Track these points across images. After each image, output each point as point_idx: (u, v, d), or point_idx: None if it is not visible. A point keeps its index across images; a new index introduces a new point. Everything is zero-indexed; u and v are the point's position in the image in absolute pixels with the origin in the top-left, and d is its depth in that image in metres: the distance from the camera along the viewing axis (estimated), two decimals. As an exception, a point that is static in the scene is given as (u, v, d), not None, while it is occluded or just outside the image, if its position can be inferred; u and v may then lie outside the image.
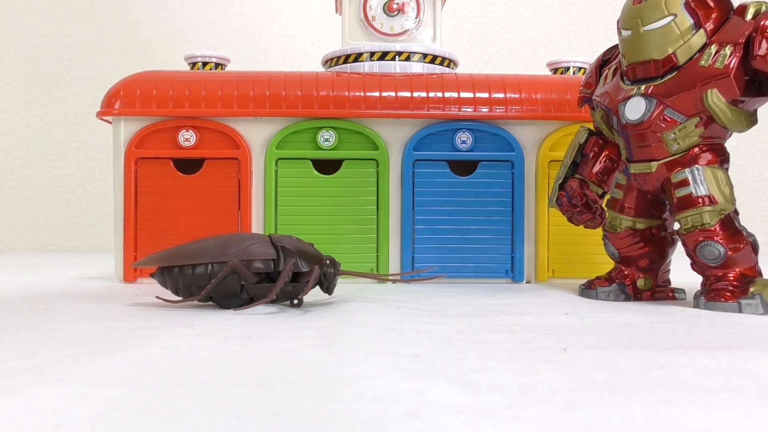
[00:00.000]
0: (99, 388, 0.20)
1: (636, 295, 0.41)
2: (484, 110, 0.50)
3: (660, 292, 0.42)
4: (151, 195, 0.50)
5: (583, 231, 0.50)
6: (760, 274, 0.37)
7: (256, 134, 0.50)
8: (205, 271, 0.35)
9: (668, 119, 0.37)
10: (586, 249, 0.51)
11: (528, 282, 0.51)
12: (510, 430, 0.16)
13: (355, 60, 0.54)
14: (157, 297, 0.37)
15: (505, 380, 0.21)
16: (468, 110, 0.50)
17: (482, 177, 0.50)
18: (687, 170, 0.37)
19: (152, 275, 0.37)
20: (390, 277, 0.47)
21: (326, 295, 0.40)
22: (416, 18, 0.54)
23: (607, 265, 0.49)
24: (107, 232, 0.99)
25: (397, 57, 0.53)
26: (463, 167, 0.51)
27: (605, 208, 0.43)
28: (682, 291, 0.42)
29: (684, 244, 0.38)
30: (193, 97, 0.50)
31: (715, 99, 0.35)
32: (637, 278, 0.41)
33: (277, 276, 0.36)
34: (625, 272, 0.41)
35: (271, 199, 0.50)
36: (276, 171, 0.50)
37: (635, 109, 0.38)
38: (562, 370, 0.22)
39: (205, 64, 0.55)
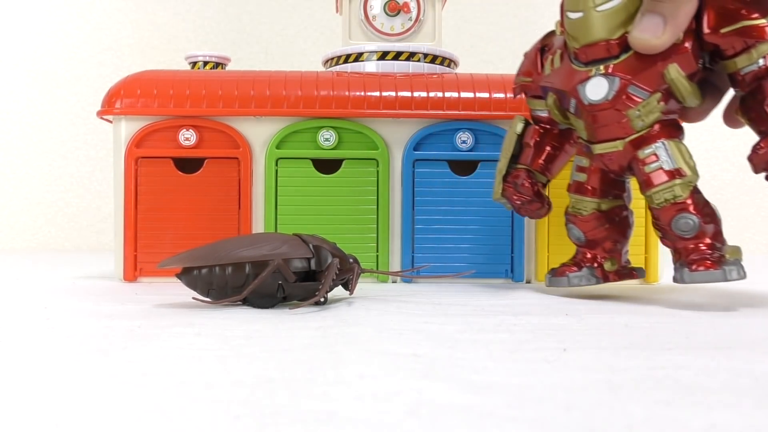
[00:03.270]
0: (99, 388, 0.20)
1: (605, 278, 0.41)
2: (484, 110, 0.50)
3: (624, 272, 0.42)
4: (152, 194, 0.50)
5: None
6: (725, 242, 0.37)
7: (257, 134, 0.50)
8: (242, 272, 0.35)
9: (632, 96, 0.37)
10: (586, 249, 0.51)
11: (528, 282, 0.51)
12: (510, 430, 0.16)
13: (356, 60, 0.54)
14: (193, 298, 0.36)
15: (505, 380, 0.21)
16: (468, 110, 0.50)
17: (482, 177, 0.50)
18: (653, 146, 0.37)
19: (178, 276, 0.37)
20: (405, 273, 0.48)
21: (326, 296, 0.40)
22: (417, 18, 0.54)
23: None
24: (107, 232, 0.99)
25: (397, 57, 0.53)
26: (464, 167, 0.51)
27: (568, 194, 0.42)
28: (642, 269, 0.42)
29: (657, 219, 0.38)
30: (193, 96, 0.50)
31: (676, 73, 0.36)
32: (604, 260, 0.41)
33: (313, 275, 0.37)
34: (589, 255, 0.41)
35: (271, 199, 0.50)
36: (276, 170, 0.50)
37: (597, 89, 0.37)
38: (562, 370, 0.22)
39: (205, 63, 0.55)
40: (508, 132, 0.45)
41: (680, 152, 0.37)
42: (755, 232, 1.05)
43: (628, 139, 0.38)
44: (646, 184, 0.37)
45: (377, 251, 0.50)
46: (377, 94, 0.50)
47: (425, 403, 0.18)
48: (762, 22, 0.34)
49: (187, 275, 0.36)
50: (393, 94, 0.50)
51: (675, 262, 0.37)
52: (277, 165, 0.50)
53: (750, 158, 0.36)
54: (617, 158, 0.38)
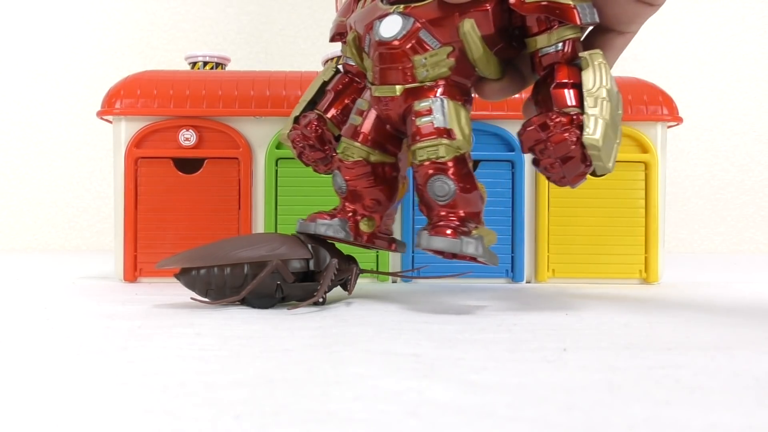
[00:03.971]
0: (99, 388, 0.20)
1: (357, 236, 0.39)
2: (484, 110, 0.50)
3: (380, 239, 0.40)
4: (152, 194, 0.50)
5: (583, 231, 0.50)
6: (483, 224, 0.36)
7: (257, 134, 0.50)
8: (241, 272, 0.35)
9: (423, 42, 0.35)
10: (587, 249, 0.51)
11: (528, 282, 0.51)
12: (510, 430, 0.16)
13: (356, 60, 0.54)
14: (192, 299, 0.36)
15: (505, 380, 0.21)
16: (468, 110, 0.50)
17: (482, 177, 0.50)
18: (430, 99, 0.35)
19: (176, 276, 0.37)
20: (406, 274, 0.47)
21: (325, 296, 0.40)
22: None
23: (607, 265, 0.50)
24: (107, 232, 0.99)
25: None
26: (463, 167, 0.51)
27: (342, 137, 0.40)
28: (404, 244, 0.41)
29: (414, 178, 0.36)
30: (193, 96, 0.50)
31: (470, 29, 0.34)
32: (361, 218, 0.39)
33: (312, 275, 0.36)
34: (348, 210, 0.39)
35: (271, 199, 0.50)
36: (276, 170, 0.50)
37: (391, 26, 0.36)
38: (562, 370, 0.22)
39: (205, 63, 0.55)
40: (317, 76, 0.43)
41: (457, 115, 0.35)
42: (755, 232, 1.05)
43: (406, 86, 0.36)
44: (413, 137, 0.36)
45: (377, 251, 0.50)
46: (377, 94, 0.50)
47: (425, 403, 0.18)
48: (568, 2, 0.33)
49: (185, 276, 0.36)
50: (393, 94, 0.50)
51: (422, 228, 0.36)
52: (277, 165, 0.50)
53: (519, 134, 0.34)
54: (393, 105, 0.37)
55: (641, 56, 1.02)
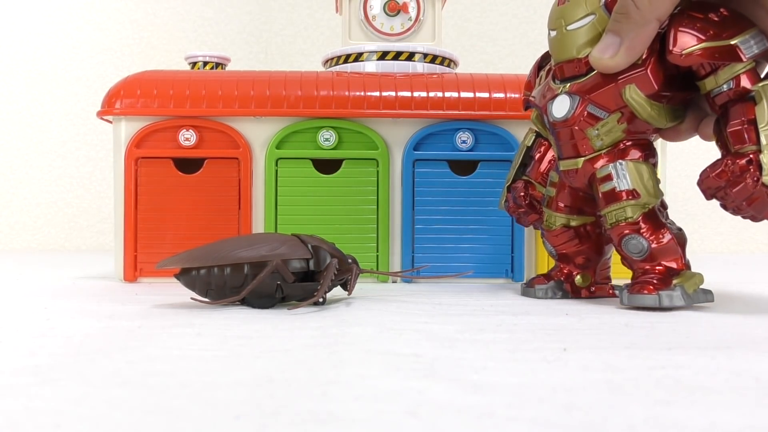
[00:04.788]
0: (99, 387, 0.20)
1: (574, 292, 0.41)
2: (484, 110, 0.50)
3: (599, 289, 0.42)
4: (152, 194, 0.50)
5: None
6: (688, 267, 0.37)
7: (257, 134, 0.50)
8: (241, 272, 0.35)
9: (591, 115, 0.37)
10: (586, 249, 0.51)
11: (528, 282, 0.51)
12: (510, 430, 0.16)
13: (356, 60, 0.54)
14: (192, 299, 0.36)
15: (505, 380, 0.21)
16: (468, 110, 0.50)
17: (482, 177, 0.50)
18: (611, 165, 0.37)
19: (176, 276, 0.37)
20: (405, 274, 0.47)
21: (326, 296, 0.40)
22: (417, 18, 0.54)
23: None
24: (107, 232, 0.99)
25: (397, 57, 0.53)
26: (464, 167, 0.51)
27: (543, 208, 0.43)
28: (621, 287, 0.42)
29: (611, 239, 0.38)
30: (193, 96, 0.50)
31: (633, 94, 0.36)
32: (575, 275, 0.41)
33: (312, 275, 0.36)
34: (564, 270, 0.41)
35: (271, 199, 0.50)
36: (276, 171, 0.50)
37: (561, 106, 0.38)
38: (562, 370, 0.22)
39: (205, 63, 0.55)
40: (521, 143, 0.46)
41: (638, 173, 0.37)
42: (755, 232, 1.05)
43: (586, 158, 0.38)
44: (600, 204, 0.38)
45: (377, 251, 0.50)
46: (377, 94, 0.50)
47: (425, 403, 0.18)
48: (725, 42, 0.33)
49: (185, 276, 0.36)
50: (393, 94, 0.50)
51: (624, 287, 0.37)
52: (277, 165, 0.50)
53: (698, 183, 0.35)
54: (577, 176, 0.39)
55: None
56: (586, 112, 0.37)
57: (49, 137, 1.00)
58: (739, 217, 0.36)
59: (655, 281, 0.35)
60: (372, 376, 0.21)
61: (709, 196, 0.35)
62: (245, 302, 0.36)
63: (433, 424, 0.16)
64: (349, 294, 0.39)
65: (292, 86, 0.50)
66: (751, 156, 0.33)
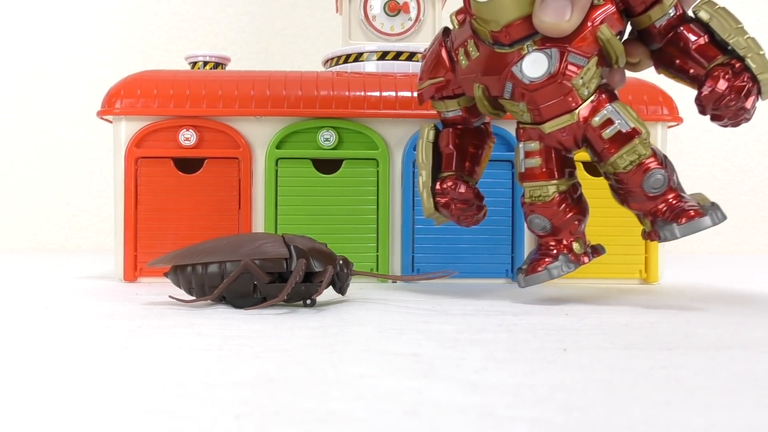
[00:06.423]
0: (99, 387, 0.20)
1: (577, 260, 0.39)
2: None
3: (592, 252, 0.40)
4: (152, 194, 0.50)
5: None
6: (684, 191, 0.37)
7: (257, 134, 0.50)
8: (217, 271, 0.35)
9: (574, 64, 0.36)
10: (586, 249, 0.51)
11: (528, 282, 0.51)
12: (510, 430, 0.16)
13: (356, 60, 0.54)
14: (170, 297, 0.37)
15: (505, 380, 0.21)
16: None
17: (482, 177, 0.50)
18: (603, 111, 0.36)
19: (166, 274, 0.38)
20: (404, 278, 0.46)
21: (326, 296, 0.40)
22: (417, 18, 0.54)
23: (605, 265, 0.49)
24: (107, 232, 0.99)
25: (397, 57, 0.53)
26: (464, 167, 0.51)
27: (521, 184, 0.40)
28: (601, 246, 0.41)
29: (624, 184, 0.37)
30: (193, 96, 0.50)
31: (607, 33, 0.36)
32: (571, 243, 0.39)
33: (289, 276, 0.36)
34: (554, 243, 0.39)
35: (271, 199, 0.50)
36: (276, 170, 0.50)
37: (535, 65, 0.36)
38: (562, 370, 0.22)
39: (205, 63, 0.55)
40: (418, 143, 0.43)
41: (628, 112, 0.36)
42: (755, 232, 1.05)
43: (579, 110, 0.36)
44: (606, 152, 0.36)
45: (377, 251, 0.50)
46: (377, 94, 0.50)
47: (425, 403, 0.18)
48: None
49: (172, 274, 0.37)
50: (393, 94, 0.50)
51: (653, 223, 0.36)
52: (277, 165, 0.50)
53: (697, 99, 0.35)
54: (571, 131, 0.37)
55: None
56: (567, 62, 0.36)
57: (49, 137, 1.00)
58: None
59: (689, 207, 0.35)
60: (372, 376, 0.21)
61: (709, 110, 0.35)
62: (225, 301, 0.37)
63: (433, 424, 0.16)
64: (343, 295, 0.38)
65: (292, 86, 0.50)
66: (732, 62, 0.35)
